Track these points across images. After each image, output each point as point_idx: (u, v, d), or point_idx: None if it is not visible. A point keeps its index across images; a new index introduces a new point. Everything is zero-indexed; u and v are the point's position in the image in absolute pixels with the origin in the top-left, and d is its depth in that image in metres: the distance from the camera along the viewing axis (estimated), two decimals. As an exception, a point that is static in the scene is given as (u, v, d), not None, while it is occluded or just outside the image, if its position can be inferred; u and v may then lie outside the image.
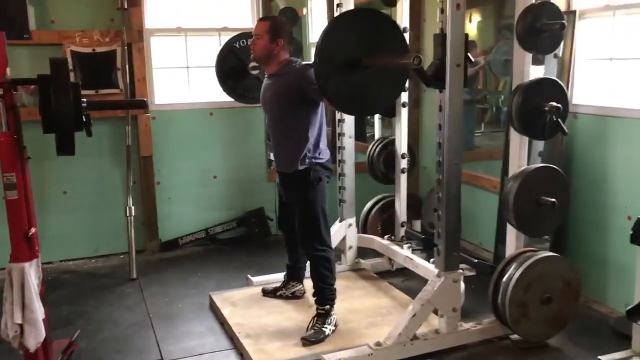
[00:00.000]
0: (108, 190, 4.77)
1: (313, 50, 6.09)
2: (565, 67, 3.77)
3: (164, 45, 4.87)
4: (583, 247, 3.77)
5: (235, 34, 5.08)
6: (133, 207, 4.46)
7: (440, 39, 2.90)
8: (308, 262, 3.80)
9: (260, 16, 5.08)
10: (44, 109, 2.67)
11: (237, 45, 3.95)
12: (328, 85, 2.76)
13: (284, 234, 3.73)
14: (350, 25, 2.84)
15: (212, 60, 5.01)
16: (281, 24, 3.32)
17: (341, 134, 4.10)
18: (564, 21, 2.99)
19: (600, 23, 3.65)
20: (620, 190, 3.56)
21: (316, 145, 3.29)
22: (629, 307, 2.95)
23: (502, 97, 4.97)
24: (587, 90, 3.69)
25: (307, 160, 3.26)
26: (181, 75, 4.97)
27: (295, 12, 6.07)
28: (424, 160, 5.28)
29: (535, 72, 3.43)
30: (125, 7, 4.46)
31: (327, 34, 2.74)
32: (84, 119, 2.69)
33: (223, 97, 5.00)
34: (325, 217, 3.37)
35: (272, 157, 4.06)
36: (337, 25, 2.86)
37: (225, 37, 5.02)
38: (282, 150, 3.37)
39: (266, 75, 3.43)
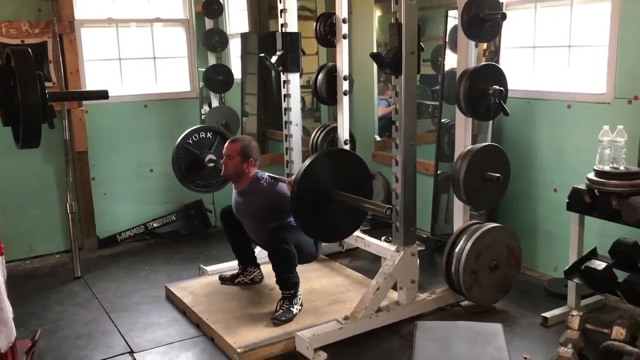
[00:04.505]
0: (41, 188, 4.58)
1: (232, 41, 6.14)
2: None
3: (95, 37, 4.72)
4: (514, 219, 4.13)
5: (167, 24, 5.08)
6: (74, 204, 4.31)
7: (396, 29, 3.08)
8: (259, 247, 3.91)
9: (193, 8, 5.09)
10: (5, 100, 2.60)
11: (190, 141, 4.05)
12: (302, 216, 3.08)
13: (225, 227, 3.80)
14: (326, 163, 3.15)
15: (145, 51, 4.98)
16: (250, 143, 3.58)
17: (288, 122, 4.21)
18: (504, 11, 3.28)
19: (524, 14, 4.01)
20: (547, 166, 3.95)
21: None
22: (566, 267, 3.30)
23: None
24: (513, 76, 4.03)
25: None
26: (113, 68, 4.84)
27: (220, 4, 6.08)
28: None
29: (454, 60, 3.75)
30: (55, -4, 4.30)
31: (305, 173, 3.02)
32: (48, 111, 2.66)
33: (157, 88, 4.99)
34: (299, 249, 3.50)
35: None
36: (315, 163, 3.10)
37: (158, 28, 5.00)
38: (264, 234, 3.55)
39: (236, 191, 3.66)
